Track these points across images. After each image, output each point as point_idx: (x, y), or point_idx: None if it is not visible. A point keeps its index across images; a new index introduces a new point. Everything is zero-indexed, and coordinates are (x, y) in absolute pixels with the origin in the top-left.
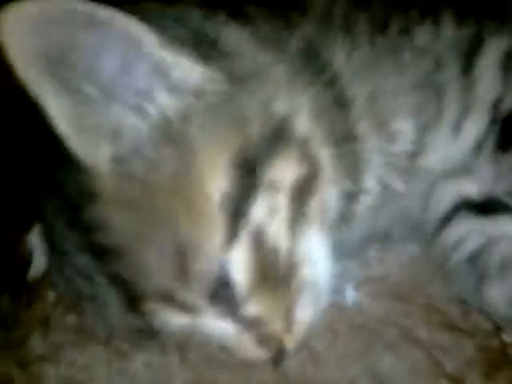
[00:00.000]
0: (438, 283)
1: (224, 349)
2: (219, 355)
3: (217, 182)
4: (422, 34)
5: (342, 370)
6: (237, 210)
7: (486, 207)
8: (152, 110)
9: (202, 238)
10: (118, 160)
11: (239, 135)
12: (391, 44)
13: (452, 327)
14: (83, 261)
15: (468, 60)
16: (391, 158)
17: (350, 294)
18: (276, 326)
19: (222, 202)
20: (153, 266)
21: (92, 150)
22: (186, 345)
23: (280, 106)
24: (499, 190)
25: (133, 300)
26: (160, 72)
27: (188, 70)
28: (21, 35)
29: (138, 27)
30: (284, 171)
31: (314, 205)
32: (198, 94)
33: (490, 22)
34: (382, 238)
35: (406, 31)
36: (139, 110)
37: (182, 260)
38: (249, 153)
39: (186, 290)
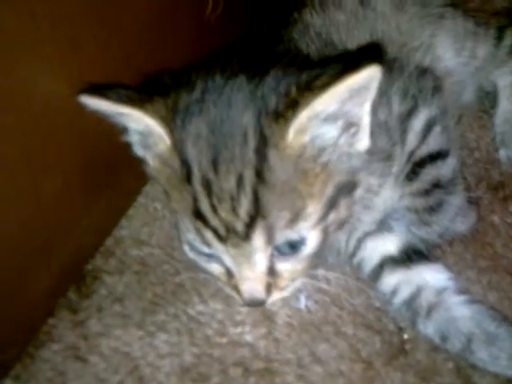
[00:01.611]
0: (361, 296)
1: (219, 332)
2: (214, 337)
3: (329, 189)
4: (381, 111)
5: (294, 352)
6: (327, 211)
7: (405, 259)
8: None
9: (310, 211)
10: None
11: (344, 175)
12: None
13: (368, 327)
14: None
15: (404, 126)
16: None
17: (303, 301)
18: (281, 285)
19: (326, 200)
20: (272, 206)
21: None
22: (193, 329)
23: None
24: (413, 234)
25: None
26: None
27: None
28: None
29: None
30: (345, 206)
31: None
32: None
33: (421, 97)
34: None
35: (375, 111)
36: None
37: (289, 216)
38: (342, 184)
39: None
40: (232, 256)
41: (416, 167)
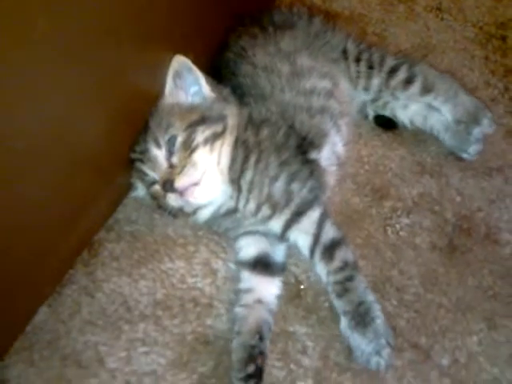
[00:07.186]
0: None
1: (180, 281)
2: (177, 284)
3: (194, 116)
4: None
5: (227, 295)
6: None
7: None
8: None
9: (177, 124)
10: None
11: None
12: None
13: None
14: None
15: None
16: None
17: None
18: (178, 171)
19: (190, 121)
20: (153, 128)
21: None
22: (163, 278)
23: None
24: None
25: None
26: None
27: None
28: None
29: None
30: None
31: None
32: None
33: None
34: None
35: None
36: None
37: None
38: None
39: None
40: (152, 168)
41: None
